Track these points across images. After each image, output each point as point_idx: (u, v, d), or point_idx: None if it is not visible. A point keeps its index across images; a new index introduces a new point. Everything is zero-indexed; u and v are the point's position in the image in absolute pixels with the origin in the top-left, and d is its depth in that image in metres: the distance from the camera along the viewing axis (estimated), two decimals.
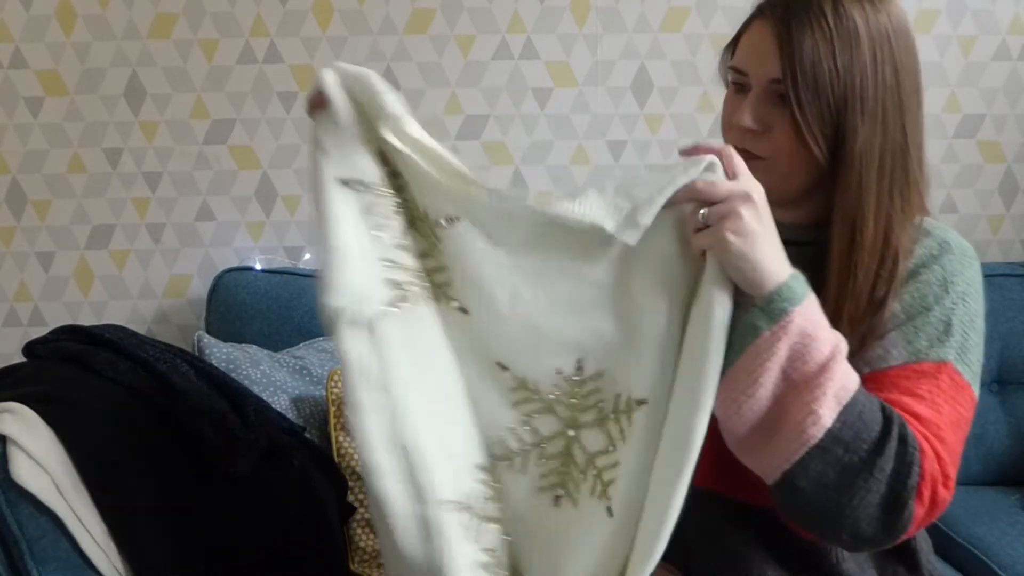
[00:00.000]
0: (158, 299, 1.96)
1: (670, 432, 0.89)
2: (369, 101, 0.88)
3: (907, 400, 0.83)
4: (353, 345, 0.84)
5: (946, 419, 0.82)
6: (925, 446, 0.79)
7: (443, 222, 0.91)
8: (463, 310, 0.93)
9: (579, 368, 0.92)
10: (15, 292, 1.94)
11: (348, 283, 0.85)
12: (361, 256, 0.87)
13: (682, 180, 0.82)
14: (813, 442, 0.77)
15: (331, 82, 0.87)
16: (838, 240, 0.88)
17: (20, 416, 1.13)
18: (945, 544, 1.54)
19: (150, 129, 1.87)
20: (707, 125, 1.90)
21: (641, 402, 0.89)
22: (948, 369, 0.85)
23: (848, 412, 0.78)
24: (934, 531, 1.02)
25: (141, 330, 1.87)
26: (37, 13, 1.83)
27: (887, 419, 0.79)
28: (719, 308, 0.82)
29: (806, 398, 0.78)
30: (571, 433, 0.93)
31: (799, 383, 0.78)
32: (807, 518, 0.82)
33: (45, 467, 1.10)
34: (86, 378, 1.25)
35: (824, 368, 0.78)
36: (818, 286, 0.85)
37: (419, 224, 0.93)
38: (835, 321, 0.83)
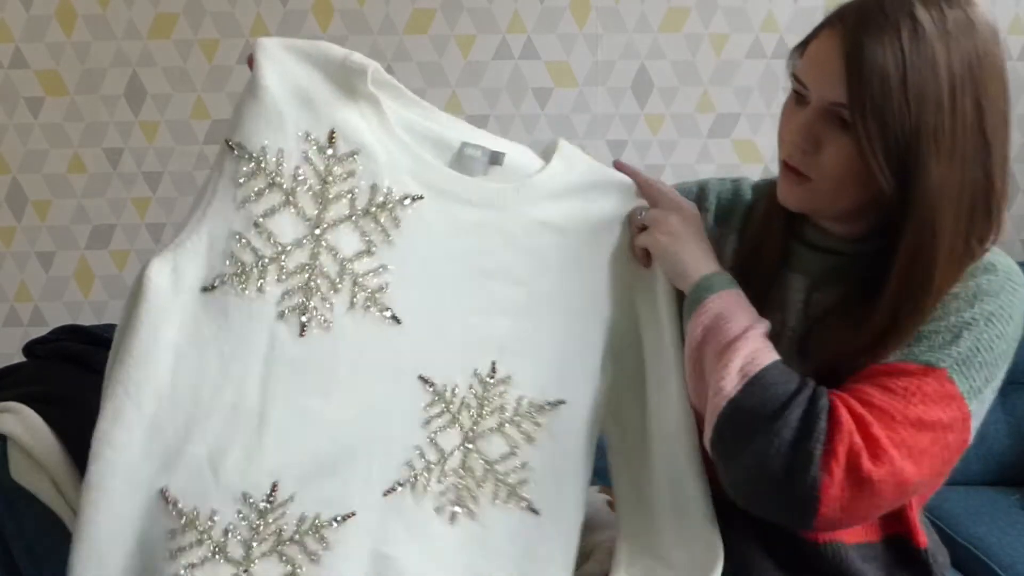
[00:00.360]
0: None
1: (658, 426, 0.97)
2: (337, 64, 0.88)
3: (869, 388, 0.81)
4: (160, 273, 0.84)
5: (910, 414, 0.79)
6: (843, 418, 0.78)
7: (406, 201, 0.90)
8: (395, 319, 0.90)
9: (492, 370, 0.94)
10: (15, 292, 1.95)
11: (183, 242, 0.84)
12: (212, 220, 0.86)
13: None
14: (719, 411, 0.82)
15: (269, 45, 0.86)
16: (905, 273, 0.82)
17: (20, 416, 1.13)
18: (945, 544, 1.53)
19: (150, 129, 1.87)
20: (707, 125, 1.90)
21: (556, 403, 0.95)
22: (939, 375, 0.81)
23: (754, 383, 0.80)
24: (934, 530, 1.01)
25: None
26: (37, 13, 1.83)
27: (798, 390, 0.80)
28: (668, 307, 0.94)
29: (717, 371, 0.83)
30: (468, 445, 0.93)
31: (712, 358, 0.84)
32: (737, 492, 0.84)
33: (45, 467, 1.10)
34: (86, 378, 1.25)
35: (732, 343, 0.83)
36: (849, 297, 0.85)
37: (360, 219, 0.89)
38: (877, 346, 0.82)
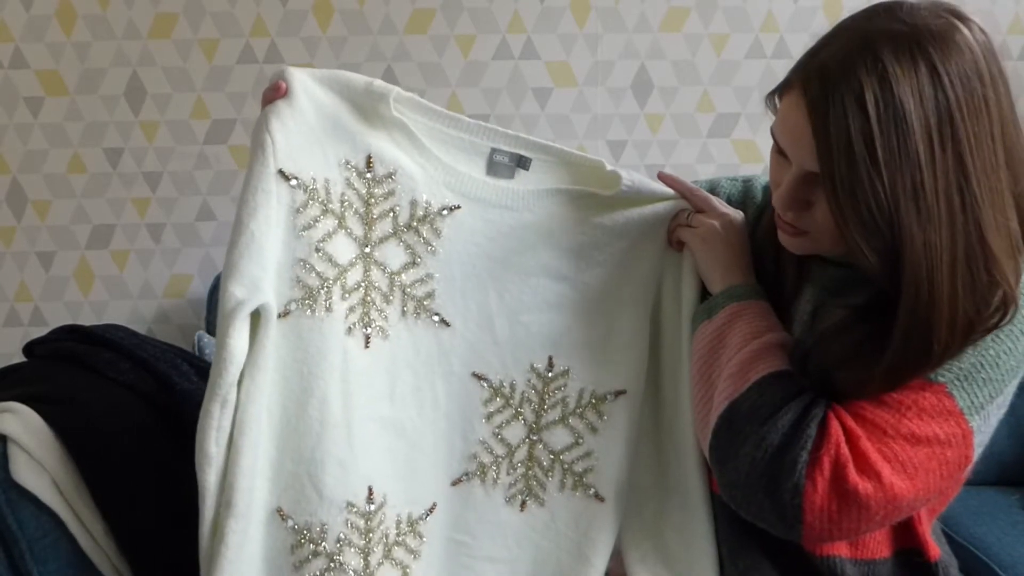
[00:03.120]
0: (158, 299, 1.96)
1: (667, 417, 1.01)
2: (361, 92, 0.92)
3: (863, 403, 0.79)
4: (240, 337, 0.84)
5: (903, 428, 0.77)
6: (833, 429, 0.77)
7: (444, 212, 0.94)
8: (444, 322, 0.96)
9: (550, 364, 0.99)
10: (15, 292, 1.94)
11: (254, 273, 0.86)
12: (276, 248, 0.88)
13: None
14: (718, 413, 0.82)
15: (299, 76, 0.89)
16: (904, 343, 0.75)
17: (20, 416, 1.13)
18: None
19: (150, 129, 1.87)
20: (707, 125, 1.90)
21: (617, 393, 0.99)
22: (936, 389, 0.78)
23: (754, 389, 0.81)
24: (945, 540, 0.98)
25: (141, 330, 1.87)
26: (37, 13, 1.83)
27: (794, 396, 0.80)
28: (688, 302, 0.97)
29: (723, 375, 0.83)
30: (534, 437, 0.99)
31: (720, 362, 0.85)
32: (731, 497, 0.84)
33: (45, 467, 1.10)
34: (86, 378, 1.25)
35: (740, 349, 0.84)
36: (863, 312, 0.82)
37: (403, 233, 0.94)
38: (871, 383, 0.78)
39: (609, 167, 0.98)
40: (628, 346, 0.99)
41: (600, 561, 1.00)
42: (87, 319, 1.94)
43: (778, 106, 0.82)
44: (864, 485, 0.76)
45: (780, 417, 0.79)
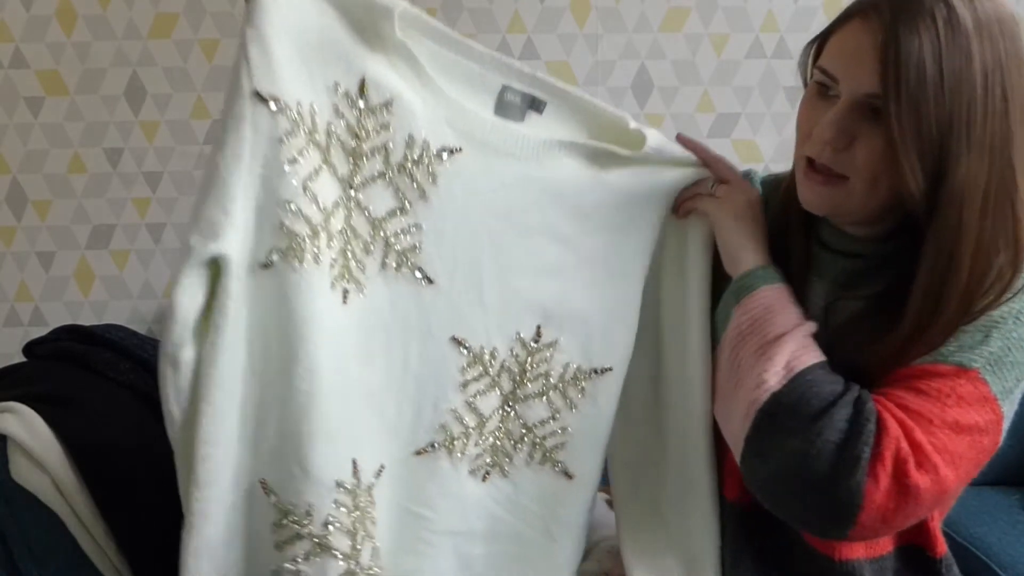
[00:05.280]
0: (158, 299, 1.96)
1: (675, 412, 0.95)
2: (361, 4, 0.79)
3: (903, 393, 0.78)
4: (187, 293, 0.75)
5: (948, 417, 0.77)
6: (890, 423, 0.75)
7: (444, 154, 0.83)
8: (427, 279, 0.85)
9: (538, 334, 0.90)
10: (15, 292, 1.94)
11: (213, 217, 0.75)
12: (253, 187, 0.76)
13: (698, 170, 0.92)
14: (759, 405, 0.79)
15: None
16: (924, 279, 0.78)
17: (20, 416, 1.13)
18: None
19: (150, 129, 1.87)
20: (707, 125, 1.90)
21: (603, 370, 0.92)
22: (971, 375, 0.78)
23: (798, 379, 0.78)
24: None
25: (141, 330, 1.87)
26: (37, 13, 1.83)
27: (843, 391, 0.78)
28: (698, 277, 0.91)
29: (760, 364, 0.80)
30: (508, 409, 0.91)
31: (757, 350, 0.81)
32: (767, 492, 0.81)
33: (45, 467, 1.10)
34: (86, 378, 1.25)
35: (780, 338, 0.80)
36: (880, 301, 0.83)
37: (394, 175, 0.82)
38: (903, 353, 0.79)
39: (633, 124, 0.91)
40: (620, 321, 0.92)
41: (568, 540, 0.95)
42: (87, 319, 1.94)
43: (823, 48, 0.85)
44: (923, 480, 0.74)
45: (835, 412, 0.76)
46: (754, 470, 0.81)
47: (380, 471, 0.86)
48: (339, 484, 0.82)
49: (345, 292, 0.82)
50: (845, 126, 0.80)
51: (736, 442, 0.83)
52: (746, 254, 0.88)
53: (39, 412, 1.14)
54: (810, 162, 0.84)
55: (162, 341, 0.77)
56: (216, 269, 0.76)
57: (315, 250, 0.78)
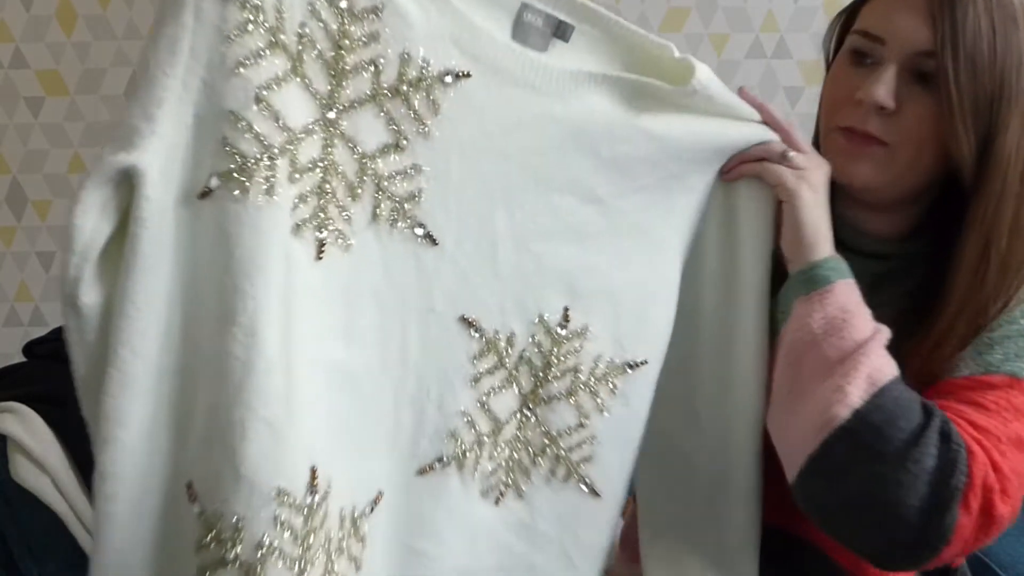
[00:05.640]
0: None
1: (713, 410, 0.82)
2: None
3: (965, 408, 0.73)
4: (87, 214, 0.60)
5: (1011, 433, 0.72)
6: (976, 449, 0.69)
7: (447, 79, 0.66)
8: (430, 239, 0.68)
9: (565, 317, 0.74)
10: (16, 292, 1.94)
11: (133, 122, 0.60)
12: (192, 92, 0.60)
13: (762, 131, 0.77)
14: (839, 421, 0.69)
15: None
16: (970, 250, 0.76)
17: (20, 416, 1.13)
18: None
19: None
20: None
21: (637, 364, 0.77)
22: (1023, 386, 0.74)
23: (882, 396, 0.69)
24: None
25: None
26: (37, 13, 1.83)
27: (927, 412, 0.70)
28: (755, 259, 0.78)
29: (837, 374, 0.70)
30: (527, 412, 0.75)
31: (832, 358, 0.71)
32: (833, 518, 0.73)
33: (45, 467, 1.10)
34: None
35: (860, 346, 0.71)
36: (914, 301, 0.80)
37: (386, 100, 0.65)
38: (945, 337, 0.77)
39: (679, 54, 0.75)
40: (657, 303, 0.77)
41: (589, 567, 0.81)
42: None
43: (857, 16, 0.83)
44: (1005, 508, 0.70)
45: (927, 436, 0.68)
46: (815, 491, 0.73)
47: (376, 501, 0.69)
48: (281, 494, 0.61)
49: (320, 244, 0.64)
50: (894, 88, 0.76)
51: (793, 457, 0.73)
52: (821, 240, 0.76)
53: (39, 412, 1.13)
54: (845, 133, 0.81)
55: (61, 278, 0.62)
56: (128, 191, 0.60)
57: (268, 179, 0.61)
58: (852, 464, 0.70)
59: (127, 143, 0.59)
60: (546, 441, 0.76)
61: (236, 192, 0.61)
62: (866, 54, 0.80)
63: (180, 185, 0.61)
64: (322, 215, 0.65)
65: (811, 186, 0.77)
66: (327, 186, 0.64)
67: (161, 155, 0.60)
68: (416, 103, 0.66)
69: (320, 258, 0.65)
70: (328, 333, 0.66)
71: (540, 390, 0.75)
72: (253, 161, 0.61)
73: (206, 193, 0.61)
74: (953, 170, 0.77)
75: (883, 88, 0.76)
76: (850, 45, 0.81)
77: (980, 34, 0.73)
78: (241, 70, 0.60)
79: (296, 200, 0.63)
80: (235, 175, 0.61)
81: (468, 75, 0.67)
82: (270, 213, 0.62)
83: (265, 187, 0.61)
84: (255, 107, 0.61)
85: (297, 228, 0.64)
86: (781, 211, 0.78)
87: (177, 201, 0.61)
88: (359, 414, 0.68)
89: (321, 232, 0.65)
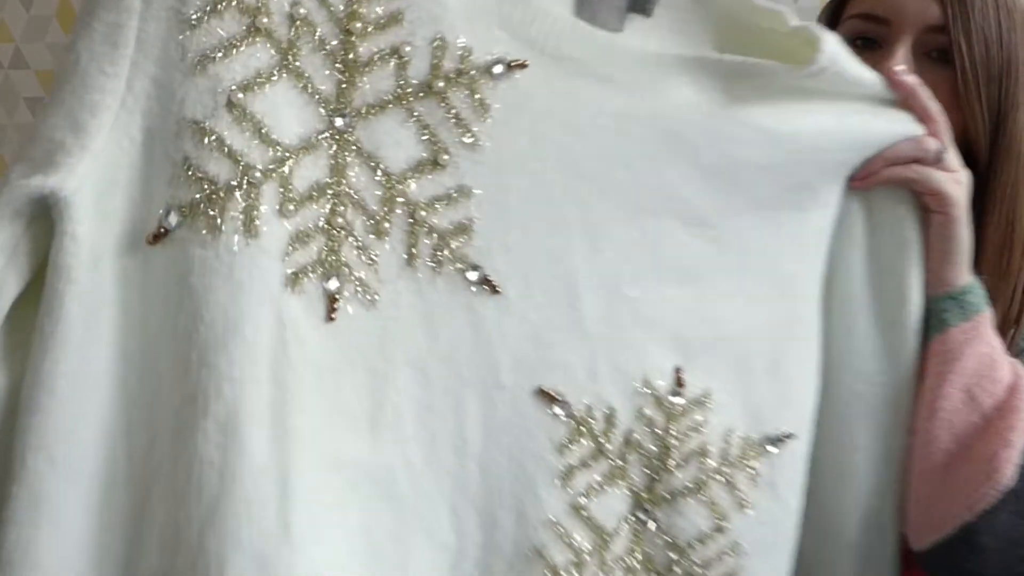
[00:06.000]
0: None
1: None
2: None
3: None
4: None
5: None
6: None
7: (497, 70, 0.49)
8: (489, 285, 0.50)
9: (678, 382, 0.56)
10: None
11: (54, 134, 0.44)
12: (141, 103, 0.45)
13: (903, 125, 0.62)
14: (1007, 484, 0.59)
15: None
16: (993, 236, 0.73)
17: None
18: None
19: None
20: None
21: (782, 439, 0.60)
22: None
23: None
24: None
25: None
26: (37, 13, 1.83)
27: None
28: (909, 291, 0.62)
29: (999, 427, 0.60)
30: (643, 517, 0.57)
31: (987, 406, 0.61)
32: None
33: None
34: None
35: (1015, 391, 0.61)
36: None
37: (415, 102, 0.49)
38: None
39: (794, 22, 0.55)
40: (800, 356, 0.60)
41: None
42: None
43: (839, 10, 0.81)
44: None
45: None
46: (970, 562, 0.61)
47: None
48: None
49: (331, 299, 0.48)
50: (912, 65, 0.74)
51: (937, 520, 0.63)
52: (968, 260, 0.66)
53: None
54: None
55: None
56: (46, 224, 0.44)
57: (249, 213, 0.45)
58: (1016, 532, 0.59)
59: (45, 163, 0.43)
60: (673, 556, 0.57)
61: (204, 232, 0.44)
62: (871, 38, 0.77)
63: (123, 223, 0.45)
64: (332, 259, 0.48)
65: (966, 196, 0.65)
66: (338, 219, 0.48)
67: (96, 180, 0.43)
68: (457, 104, 0.50)
69: (332, 319, 0.48)
70: (344, 423, 0.49)
71: (657, 485, 0.56)
72: (226, 189, 0.44)
73: (161, 234, 0.45)
74: (966, 153, 0.74)
75: (902, 66, 0.70)
76: (850, 31, 0.78)
77: (987, 7, 0.73)
78: (208, 66, 0.45)
79: (291, 241, 0.47)
80: (202, 208, 0.44)
81: (524, 65, 0.50)
82: (253, 259, 0.45)
83: (244, 224, 0.45)
84: (228, 115, 0.45)
85: (294, 279, 0.47)
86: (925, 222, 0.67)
87: (119, 245, 0.45)
88: (395, 532, 0.50)
89: (331, 283, 0.48)
